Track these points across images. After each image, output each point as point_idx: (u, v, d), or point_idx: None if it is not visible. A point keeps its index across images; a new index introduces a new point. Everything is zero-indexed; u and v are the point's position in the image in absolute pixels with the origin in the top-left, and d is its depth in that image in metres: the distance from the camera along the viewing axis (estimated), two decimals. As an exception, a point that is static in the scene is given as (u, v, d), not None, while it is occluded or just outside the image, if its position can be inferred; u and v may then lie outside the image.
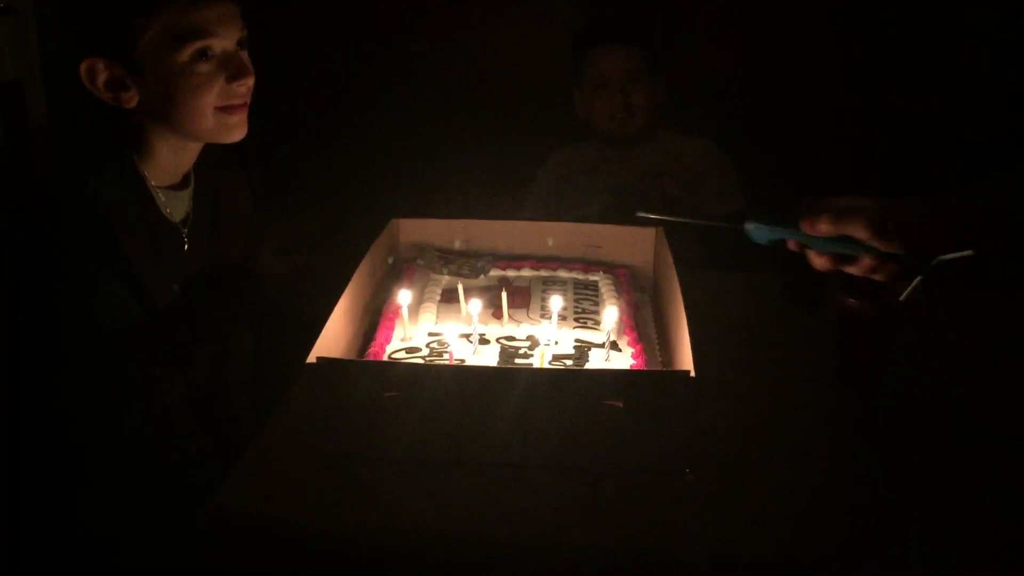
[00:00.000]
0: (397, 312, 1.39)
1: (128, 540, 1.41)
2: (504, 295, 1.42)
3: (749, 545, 1.07)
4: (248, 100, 1.43)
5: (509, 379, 1.16)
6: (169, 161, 1.44)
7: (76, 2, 1.37)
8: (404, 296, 1.37)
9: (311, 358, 1.14)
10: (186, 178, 1.49)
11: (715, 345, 1.29)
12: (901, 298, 1.33)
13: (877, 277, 1.15)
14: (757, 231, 1.20)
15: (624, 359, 1.30)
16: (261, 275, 1.71)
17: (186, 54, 1.34)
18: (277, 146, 2.61)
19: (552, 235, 1.64)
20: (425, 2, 2.65)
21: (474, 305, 1.34)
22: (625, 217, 2.21)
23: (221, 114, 1.40)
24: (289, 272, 2.04)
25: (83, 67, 1.34)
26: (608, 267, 1.62)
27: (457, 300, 1.45)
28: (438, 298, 1.48)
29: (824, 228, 1.12)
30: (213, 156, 1.50)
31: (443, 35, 2.67)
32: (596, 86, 2.30)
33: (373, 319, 1.43)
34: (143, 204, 1.42)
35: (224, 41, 1.38)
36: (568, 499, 1.13)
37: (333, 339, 1.24)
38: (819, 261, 1.16)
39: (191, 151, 1.47)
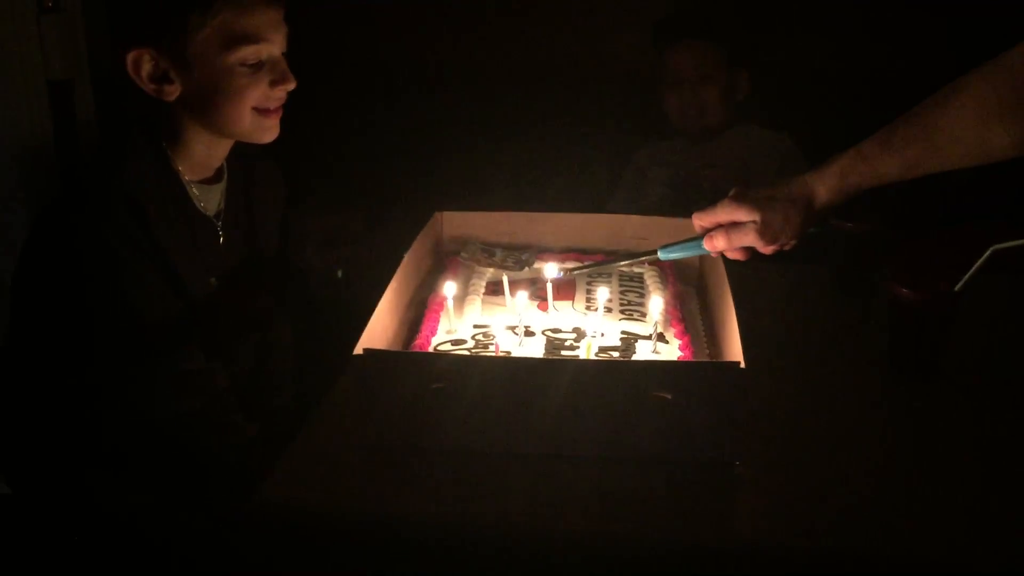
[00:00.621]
0: (442, 304, 1.39)
1: (176, 532, 1.43)
2: (549, 286, 1.41)
3: (800, 538, 1.05)
4: (283, 103, 1.45)
5: (556, 370, 1.15)
6: (202, 155, 1.46)
7: None
8: (449, 288, 1.37)
9: (357, 350, 1.14)
10: (219, 172, 1.51)
11: (764, 336, 1.28)
12: (957, 288, 1.31)
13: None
14: (665, 253, 1.39)
15: (671, 351, 1.29)
16: (301, 267, 1.72)
17: (237, 56, 1.37)
18: (319, 139, 2.64)
19: (597, 228, 1.62)
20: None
21: (520, 297, 1.33)
22: (678, 208, 2.21)
23: (258, 116, 1.42)
24: (333, 265, 2.05)
25: (130, 57, 1.36)
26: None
27: (502, 292, 1.44)
28: (483, 290, 1.47)
29: (721, 244, 1.31)
30: (246, 149, 1.51)
31: (504, 26, 2.66)
32: (670, 83, 2.29)
33: (418, 312, 1.43)
34: (177, 197, 1.43)
35: (272, 46, 1.40)
36: (617, 490, 1.12)
37: (379, 331, 1.24)
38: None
39: (223, 146, 1.48)
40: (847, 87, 2.55)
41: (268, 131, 1.45)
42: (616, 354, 1.27)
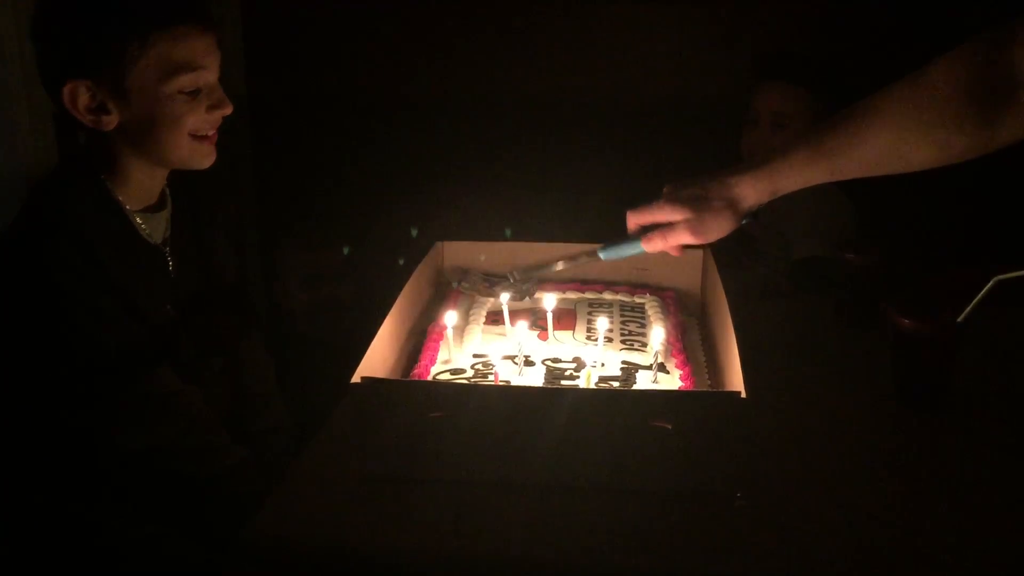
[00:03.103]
0: (442, 334, 1.38)
1: (170, 565, 1.41)
2: (549, 316, 1.40)
3: (802, 572, 1.03)
4: (217, 129, 1.45)
5: (555, 399, 1.14)
6: (142, 184, 1.46)
7: (66, 25, 1.37)
8: (450, 317, 1.36)
9: (355, 378, 1.13)
10: (162, 199, 1.50)
11: (766, 366, 1.27)
12: (960, 319, 1.30)
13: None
14: (605, 252, 1.45)
15: (672, 381, 1.28)
16: (284, 303, 1.72)
17: (175, 85, 1.37)
18: (307, 171, 2.65)
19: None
20: (509, 26, 2.65)
21: (520, 326, 1.32)
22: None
23: (195, 142, 1.43)
24: (318, 302, 2.06)
25: (66, 88, 1.36)
26: (654, 289, 1.59)
27: (502, 322, 1.43)
28: (483, 320, 1.46)
29: (659, 245, 1.39)
30: (188, 175, 1.51)
31: (507, 57, 2.67)
32: (748, 121, 2.22)
33: (418, 341, 1.42)
34: (122, 228, 1.43)
35: (208, 73, 1.41)
36: (617, 522, 1.10)
37: (378, 360, 1.23)
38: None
39: (162, 174, 1.49)
40: None
41: (206, 157, 1.45)
42: (616, 384, 1.26)
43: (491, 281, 1.58)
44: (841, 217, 2.20)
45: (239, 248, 1.67)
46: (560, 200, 2.49)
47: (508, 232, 1.73)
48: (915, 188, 2.43)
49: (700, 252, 1.60)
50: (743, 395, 1.10)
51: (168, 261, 1.49)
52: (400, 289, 1.40)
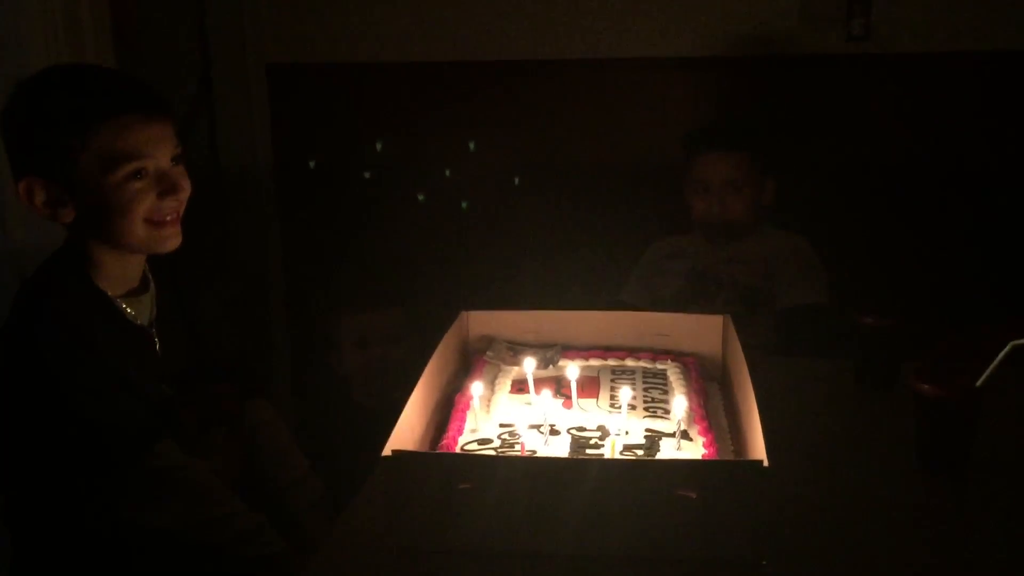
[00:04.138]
0: (468, 404, 1.41)
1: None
2: (573, 384, 1.43)
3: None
4: (180, 212, 1.47)
5: (581, 470, 1.17)
6: (117, 271, 1.48)
7: (14, 125, 1.42)
8: (476, 388, 1.39)
9: (386, 451, 1.16)
10: (145, 282, 1.53)
11: (788, 433, 1.28)
12: (979, 383, 1.32)
13: None
14: None
15: (696, 448, 1.30)
16: (336, 369, 1.75)
17: (120, 174, 1.39)
18: (349, 241, 2.71)
19: (619, 325, 1.65)
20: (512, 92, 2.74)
21: (545, 395, 1.35)
22: (696, 301, 2.25)
23: (152, 228, 1.44)
24: (367, 364, 2.09)
25: (22, 186, 1.41)
26: (676, 355, 1.62)
27: (527, 391, 1.46)
28: (508, 388, 1.49)
29: None
30: (169, 256, 1.52)
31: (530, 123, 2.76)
32: (698, 188, 2.36)
33: (444, 411, 1.45)
34: (108, 313, 1.46)
35: (158, 160, 1.43)
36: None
37: (407, 431, 1.26)
38: None
39: (135, 259, 1.51)
40: (859, 192, 2.62)
41: (167, 240, 1.47)
42: (640, 452, 1.28)
43: (516, 350, 1.61)
44: (816, 268, 2.34)
45: (241, 322, 1.70)
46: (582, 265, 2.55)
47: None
48: (919, 249, 2.55)
49: (720, 318, 1.63)
50: (766, 463, 1.12)
51: (155, 341, 1.52)
52: (427, 360, 1.43)
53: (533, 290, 2.38)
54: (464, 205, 2.74)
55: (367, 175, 2.80)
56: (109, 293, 1.48)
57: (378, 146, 2.80)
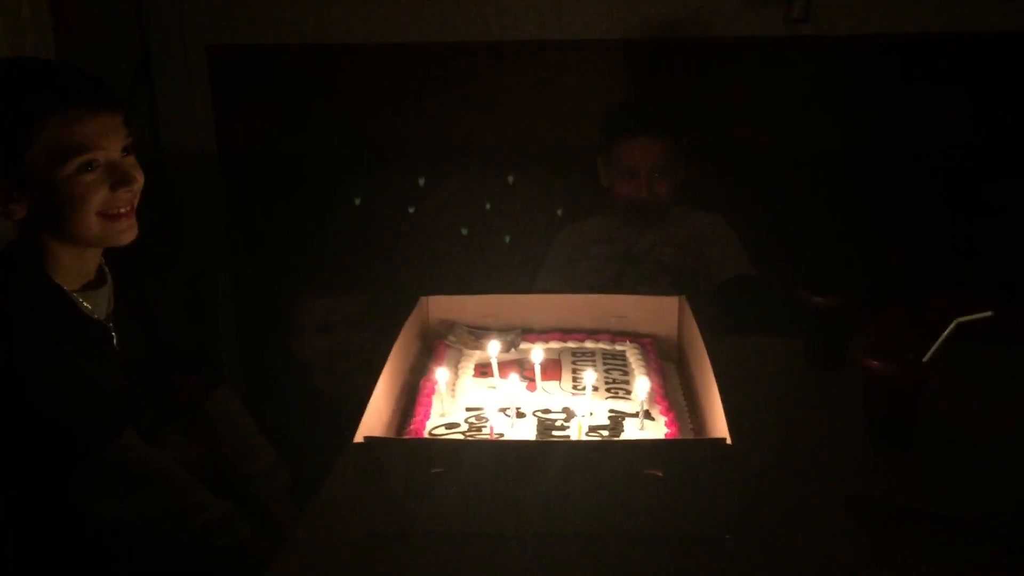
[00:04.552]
0: (433, 388, 1.43)
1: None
2: (537, 368, 1.46)
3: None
4: (135, 204, 1.46)
5: (549, 452, 1.20)
6: (72, 265, 1.47)
7: None
8: (442, 373, 1.41)
9: (358, 437, 1.18)
10: (101, 275, 1.52)
11: (744, 411, 1.33)
12: (925, 359, 1.38)
13: None
14: None
15: (658, 428, 1.33)
16: (297, 356, 1.75)
17: (70, 168, 1.38)
18: (313, 225, 2.71)
19: (578, 308, 1.68)
20: (451, 77, 2.75)
21: (512, 379, 1.37)
22: (633, 285, 2.30)
23: (106, 221, 1.43)
24: (328, 350, 2.09)
25: None
26: (634, 337, 1.66)
27: (490, 374, 1.49)
28: (471, 372, 1.51)
29: None
30: (129, 249, 1.51)
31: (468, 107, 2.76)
32: (623, 172, 2.37)
33: (408, 396, 1.47)
34: (64, 307, 1.45)
35: (108, 152, 1.41)
36: (611, 567, 1.16)
37: (375, 417, 1.28)
38: None
39: (91, 253, 1.50)
40: (770, 169, 2.70)
41: (122, 233, 1.46)
42: (606, 432, 1.31)
43: (477, 334, 1.63)
44: (738, 242, 2.43)
45: (196, 311, 1.69)
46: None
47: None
48: (862, 228, 2.64)
49: (676, 299, 1.67)
50: (728, 441, 1.16)
51: (112, 335, 1.51)
52: (391, 346, 1.44)
53: (495, 274, 2.40)
54: (421, 181, 2.73)
55: (310, 160, 2.78)
56: (65, 288, 1.46)
57: (324, 130, 2.78)
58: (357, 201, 2.73)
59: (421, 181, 2.73)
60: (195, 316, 2.17)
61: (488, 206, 2.73)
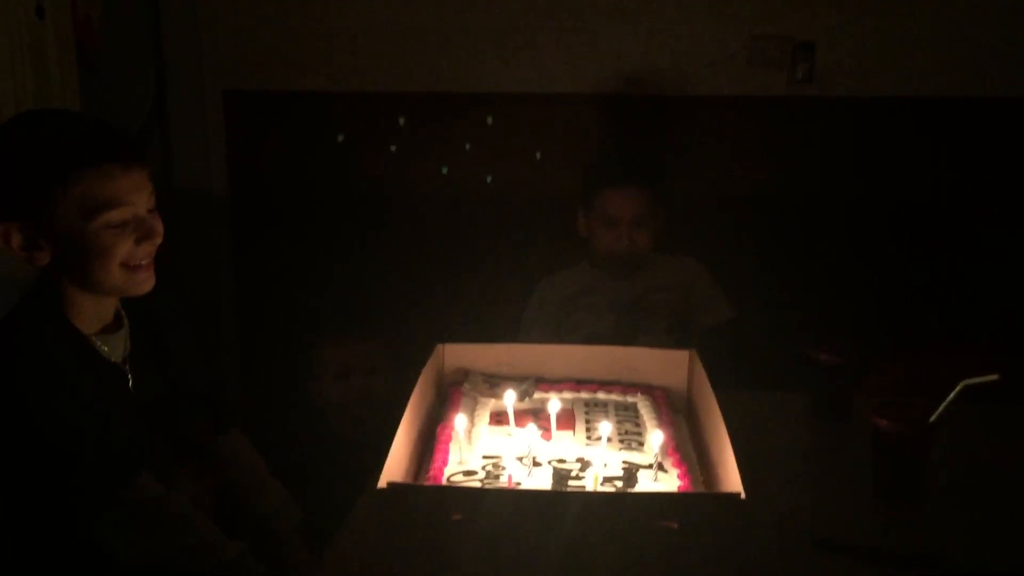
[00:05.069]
0: (450, 435, 1.45)
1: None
2: (553, 418, 1.49)
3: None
4: (153, 256, 1.50)
5: (567, 501, 1.23)
6: (91, 310, 1.50)
7: None
8: (461, 421, 1.44)
9: (381, 483, 1.20)
10: (118, 320, 1.55)
11: (752, 463, 1.35)
12: (932, 419, 1.41)
13: None
14: None
15: (671, 480, 1.36)
16: (318, 401, 1.77)
17: (99, 222, 1.42)
18: (333, 274, 2.75)
19: (591, 358, 1.71)
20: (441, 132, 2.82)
21: (530, 428, 1.40)
22: (632, 334, 2.33)
23: (127, 272, 1.47)
24: (349, 396, 2.12)
25: None
26: (645, 388, 1.69)
27: (505, 422, 1.52)
28: (487, 420, 1.54)
29: None
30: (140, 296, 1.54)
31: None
32: (604, 222, 2.40)
33: (424, 441, 1.50)
34: (83, 350, 1.48)
35: (136, 207, 1.45)
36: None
37: (396, 462, 1.30)
38: None
39: (109, 300, 1.53)
40: (731, 217, 2.77)
41: (141, 284, 1.49)
42: (620, 484, 1.34)
43: (492, 382, 1.66)
44: (718, 286, 2.47)
45: (207, 354, 1.71)
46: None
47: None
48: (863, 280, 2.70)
49: (687, 352, 1.70)
50: (742, 496, 1.19)
51: (128, 378, 1.54)
52: (409, 392, 1.47)
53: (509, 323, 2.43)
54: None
55: (320, 206, 2.83)
56: (84, 331, 1.49)
57: (331, 176, 2.84)
58: (361, 244, 2.78)
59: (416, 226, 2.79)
60: (206, 358, 2.19)
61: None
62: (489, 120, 2.78)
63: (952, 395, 1.41)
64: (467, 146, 2.80)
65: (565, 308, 2.46)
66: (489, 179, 2.81)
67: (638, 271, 2.44)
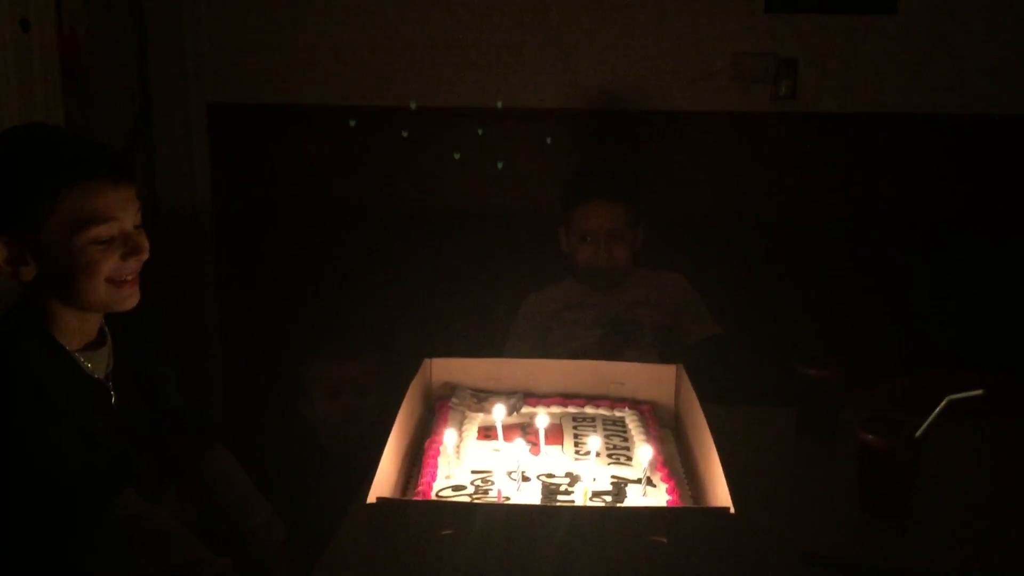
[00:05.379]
0: (438, 450, 1.45)
1: None
2: (542, 432, 1.49)
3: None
4: (138, 272, 1.50)
5: (556, 516, 1.22)
6: (74, 326, 1.50)
7: None
8: (450, 436, 1.44)
9: (370, 498, 1.20)
10: (101, 336, 1.55)
11: (739, 478, 1.36)
12: (918, 434, 1.43)
13: None
14: None
15: (660, 495, 1.36)
16: (308, 420, 1.76)
17: (86, 237, 1.42)
18: (319, 293, 2.75)
19: (578, 373, 1.71)
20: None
21: (519, 443, 1.40)
22: (619, 348, 2.33)
23: (113, 287, 1.47)
24: (340, 415, 2.11)
25: None
26: (632, 403, 1.69)
27: (493, 437, 1.51)
28: (475, 435, 1.54)
29: None
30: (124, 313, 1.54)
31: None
32: (581, 238, 2.42)
33: (411, 456, 1.49)
34: (65, 366, 1.48)
35: (123, 223, 1.46)
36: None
37: (385, 478, 1.30)
38: None
39: (93, 316, 1.52)
40: (716, 232, 2.81)
41: (127, 300, 1.49)
42: (609, 498, 1.34)
43: (479, 396, 1.66)
44: (701, 300, 2.47)
45: (189, 370, 1.71)
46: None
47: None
48: (849, 296, 2.72)
49: (673, 367, 1.71)
50: (732, 510, 1.20)
51: (111, 394, 1.53)
52: (398, 407, 1.47)
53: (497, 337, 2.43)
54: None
55: (305, 220, 2.83)
56: (67, 348, 1.49)
57: (315, 190, 2.84)
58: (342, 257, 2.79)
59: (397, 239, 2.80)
60: (190, 375, 2.18)
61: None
62: (479, 134, 2.79)
63: (938, 410, 1.42)
64: (455, 161, 2.82)
65: (550, 323, 2.46)
66: (475, 194, 2.82)
67: (621, 285, 2.45)
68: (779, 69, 2.75)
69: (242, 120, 2.87)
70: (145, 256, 1.49)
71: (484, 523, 1.21)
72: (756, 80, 2.77)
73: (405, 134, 2.79)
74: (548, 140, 2.79)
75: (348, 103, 2.82)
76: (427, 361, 1.70)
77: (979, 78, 2.70)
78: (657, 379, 1.72)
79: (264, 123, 2.87)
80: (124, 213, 1.46)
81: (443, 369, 1.72)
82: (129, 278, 1.48)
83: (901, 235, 2.77)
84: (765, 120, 2.78)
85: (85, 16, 2.39)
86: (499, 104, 2.76)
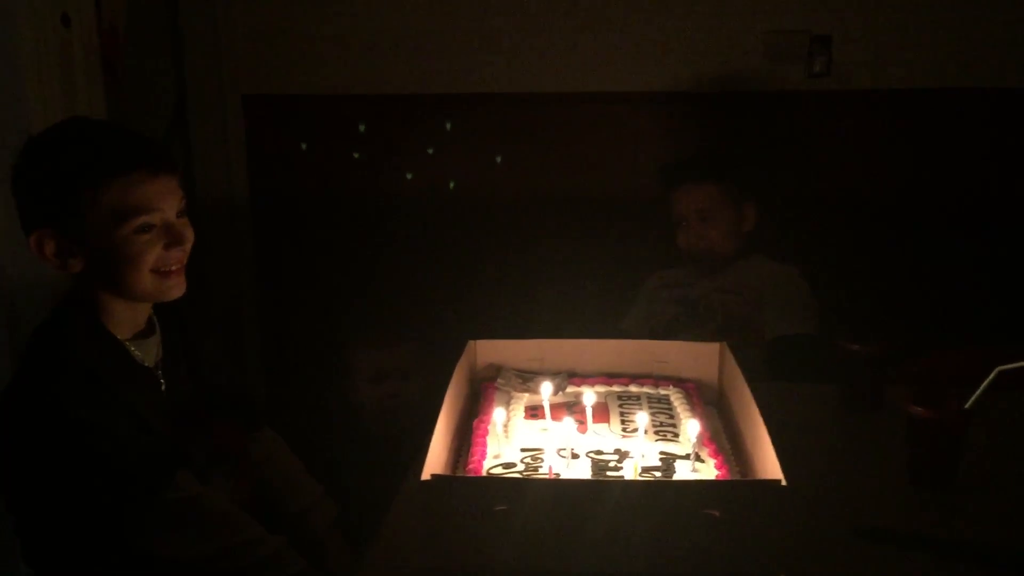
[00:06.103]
0: (487, 429, 1.47)
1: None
2: (589, 410, 1.50)
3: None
4: (184, 262, 1.52)
5: (607, 490, 1.24)
6: (125, 316, 1.52)
7: (26, 179, 1.46)
8: (500, 414, 1.45)
9: (425, 475, 1.22)
10: (151, 325, 1.57)
11: (787, 453, 1.36)
12: (967, 405, 1.42)
13: None
14: None
15: (708, 470, 1.37)
16: (352, 403, 1.78)
17: (129, 228, 1.44)
18: (363, 277, 2.77)
19: (621, 353, 1.72)
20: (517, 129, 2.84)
21: (567, 422, 1.41)
22: (690, 329, 2.33)
23: (158, 277, 1.49)
24: (384, 399, 2.14)
25: (32, 238, 1.44)
26: (676, 381, 1.70)
27: (540, 416, 1.53)
28: (522, 414, 1.55)
29: None
30: (177, 301, 1.56)
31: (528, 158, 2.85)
32: (677, 221, 2.45)
33: (459, 436, 1.51)
34: (118, 355, 1.50)
35: (165, 213, 1.47)
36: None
37: (436, 456, 1.31)
38: None
39: (143, 305, 1.55)
40: (851, 221, 2.76)
41: (172, 289, 1.51)
42: (658, 474, 1.35)
43: (524, 377, 1.67)
44: (806, 298, 2.42)
45: (234, 356, 1.73)
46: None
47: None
48: (895, 275, 2.70)
49: (716, 346, 1.71)
50: (783, 483, 1.20)
51: (161, 382, 1.56)
52: (445, 388, 1.49)
53: (539, 321, 2.44)
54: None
55: (340, 210, 2.85)
56: (118, 337, 1.51)
57: (354, 178, 2.85)
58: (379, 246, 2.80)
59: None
60: (234, 361, 2.21)
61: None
62: (529, 119, 2.79)
63: (987, 382, 1.41)
64: (494, 147, 2.82)
65: (647, 301, 2.53)
66: (518, 182, 2.82)
67: (724, 270, 2.45)
68: (812, 46, 2.73)
69: (277, 111, 2.89)
70: (189, 246, 1.51)
71: (536, 498, 1.23)
72: (788, 58, 2.75)
73: (449, 126, 2.79)
74: (588, 125, 2.79)
75: (385, 92, 2.83)
76: (472, 343, 1.72)
77: (1018, 51, 2.67)
78: (700, 358, 1.72)
79: (300, 113, 2.88)
80: (166, 203, 1.47)
81: (488, 351, 1.73)
82: (174, 268, 1.50)
83: (946, 212, 2.74)
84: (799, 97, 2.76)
85: (123, 12, 2.42)
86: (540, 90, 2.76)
